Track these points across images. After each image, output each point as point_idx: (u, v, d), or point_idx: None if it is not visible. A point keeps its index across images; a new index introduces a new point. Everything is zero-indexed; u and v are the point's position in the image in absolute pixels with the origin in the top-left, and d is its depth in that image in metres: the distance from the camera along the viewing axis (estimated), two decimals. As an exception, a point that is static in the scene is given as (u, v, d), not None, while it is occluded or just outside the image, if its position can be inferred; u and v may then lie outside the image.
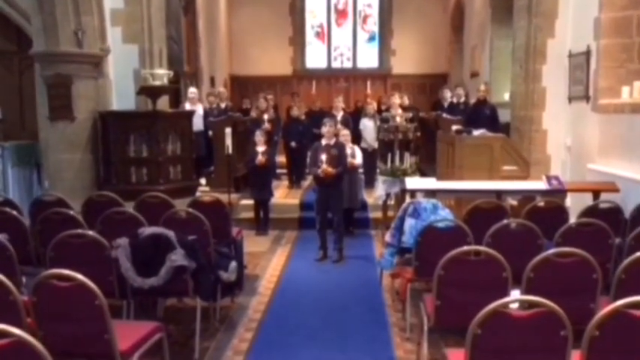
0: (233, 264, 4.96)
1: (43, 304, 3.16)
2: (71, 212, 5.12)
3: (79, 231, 4.24)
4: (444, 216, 5.22)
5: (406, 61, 17.39)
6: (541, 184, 6.50)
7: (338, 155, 6.99)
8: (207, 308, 4.95)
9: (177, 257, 4.06)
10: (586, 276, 3.46)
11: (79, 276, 3.03)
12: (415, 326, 4.77)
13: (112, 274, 4.16)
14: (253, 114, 10.93)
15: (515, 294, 3.51)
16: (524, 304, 3.47)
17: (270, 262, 7.11)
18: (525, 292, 3.44)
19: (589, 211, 5.29)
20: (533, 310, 2.60)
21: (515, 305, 3.57)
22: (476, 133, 7.32)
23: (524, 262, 3.75)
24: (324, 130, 7.10)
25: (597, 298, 3.49)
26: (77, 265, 4.14)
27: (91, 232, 4.24)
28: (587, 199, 6.55)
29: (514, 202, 7.50)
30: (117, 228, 4.78)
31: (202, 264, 4.34)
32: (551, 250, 3.43)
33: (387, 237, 5.49)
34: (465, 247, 3.63)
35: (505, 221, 4.53)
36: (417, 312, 4.77)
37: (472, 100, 10.88)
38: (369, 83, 16.88)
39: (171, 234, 4.18)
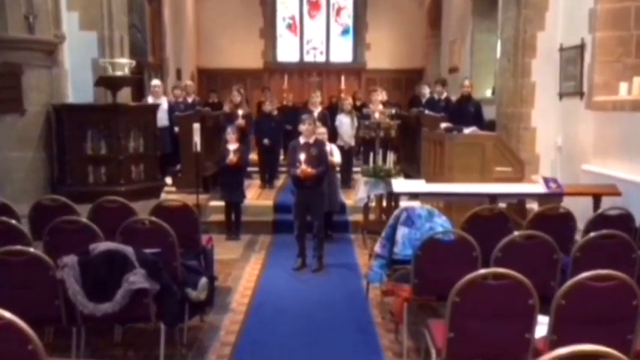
0: (203, 280, 4.34)
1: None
2: (13, 222, 4.41)
3: (19, 247, 3.54)
4: (440, 224, 4.68)
5: (381, 56, 16.89)
6: (538, 187, 6.02)
7: (318, 154, 6.38)
8: (172, 330, 4.30)
9: (137, 278, 3.41)
10: (624, 303, 2.94)
11: (7, 314, 2.36)
12: (412, 350, 4.22)
13: (58, 297, 3.51)
14: (226, 108, 10.17)
15: (543, 322, 2.98)
16: (553, 336, 2.96)
17: (243, 271, 6.46)
18: (555, 321, 2.91)
19: (598, 220, 4.82)
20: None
21: (542, 333, 3.04)
22: (466, 131, 6.81)
23: (540, 281, 3.26)
24: (303, 127, 6.47)
25: (637, 328, 2.97)
26: (17, 288, 3.53)
27: (32, 250, 3.56)
28: (583, 203, 6.11)
29: (503, 205, 7.02)
30: (67, 240, 4.16)
31: (167, 284, 3.69)
32: (586, 274, 2.88)
33: (377, 247, 4.90)
34: (482, 271, 3.05)
35: (516, 233, 3.99)
36: (414, 332, 4.23)
37: (453, 96, 10.36)
38: (342, 78, 16.31)
39: (129, 250, 3.52)
